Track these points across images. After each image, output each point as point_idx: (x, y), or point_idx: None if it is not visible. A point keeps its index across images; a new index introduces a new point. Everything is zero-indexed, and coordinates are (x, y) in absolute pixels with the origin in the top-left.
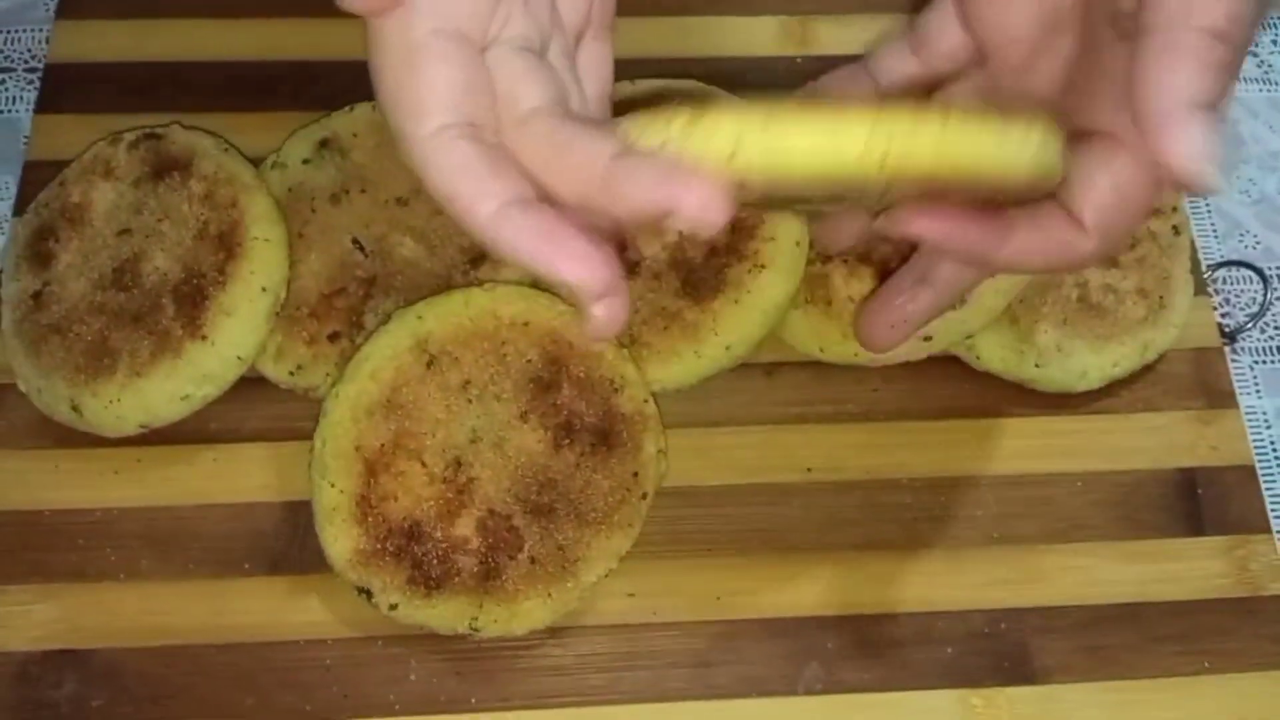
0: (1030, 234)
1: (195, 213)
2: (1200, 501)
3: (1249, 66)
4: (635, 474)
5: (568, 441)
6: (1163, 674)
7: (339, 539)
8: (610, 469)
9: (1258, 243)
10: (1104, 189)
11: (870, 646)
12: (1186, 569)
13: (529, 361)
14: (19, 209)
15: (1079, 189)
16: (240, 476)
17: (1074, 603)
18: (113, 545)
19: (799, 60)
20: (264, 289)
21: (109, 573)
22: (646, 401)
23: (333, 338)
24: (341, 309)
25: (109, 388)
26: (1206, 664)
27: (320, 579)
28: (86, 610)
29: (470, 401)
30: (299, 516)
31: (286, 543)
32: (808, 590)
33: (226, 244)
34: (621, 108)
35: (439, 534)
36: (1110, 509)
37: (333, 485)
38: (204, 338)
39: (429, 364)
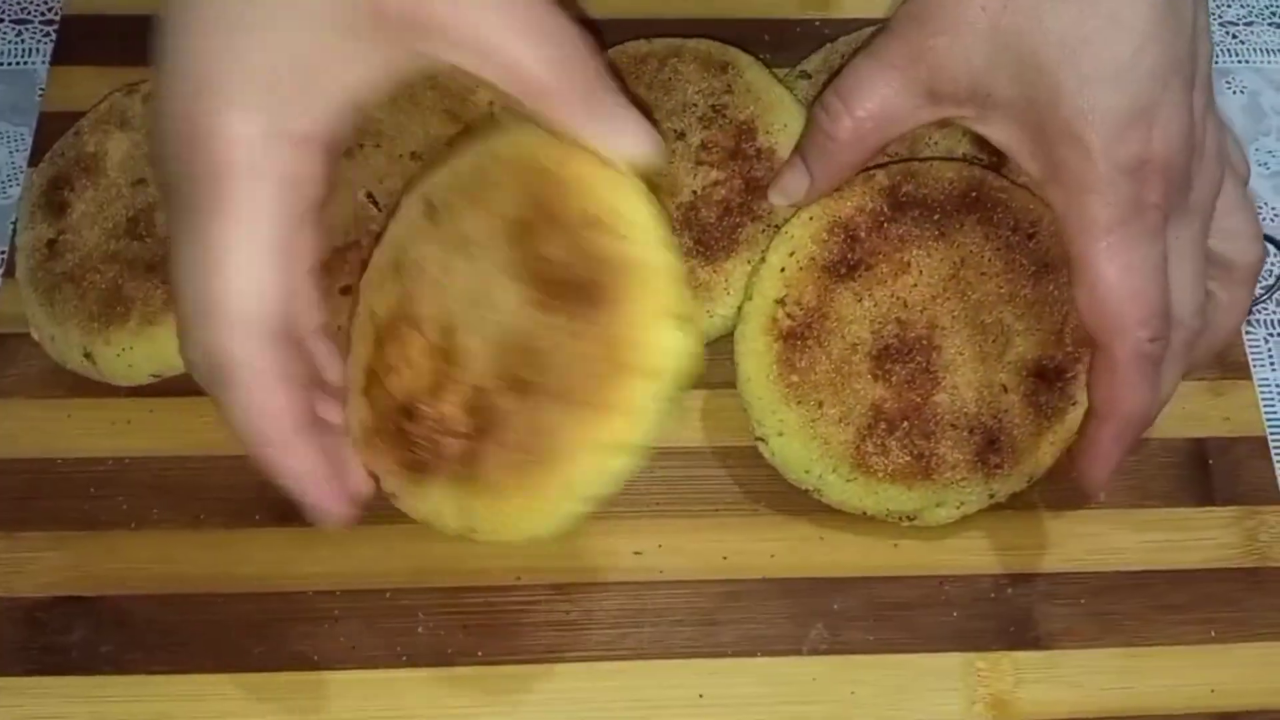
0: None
1: None
2: (1211, 472)
3: (1272, 38)
4: (631, 341)
5: (553, 301)
6: (1169, 642)
7: (352, 416)
8: (597, 335)
9: (1276, 215)
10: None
11: (876, 608)
12: (1196, 538)
13: (515, 204)
14: (34, 160)
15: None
16: None
17: (1082, 569)
18: (124, 494)
19: (818, 23)
20: None
21: (120, 521)
22: (647, 247)
23: (345, 291)
24: (354, 263)
25: (121, 336)
26: (1213, 633)
27: (329, 530)
28: (97, 558)
29: (469, 259)
30: None
31: None
32: (815, 551)
33: None
34: (634, 64)
35: (429, 411)
36: (1121, 477)
37: (357, 360)
38: None
39: (431, 217)
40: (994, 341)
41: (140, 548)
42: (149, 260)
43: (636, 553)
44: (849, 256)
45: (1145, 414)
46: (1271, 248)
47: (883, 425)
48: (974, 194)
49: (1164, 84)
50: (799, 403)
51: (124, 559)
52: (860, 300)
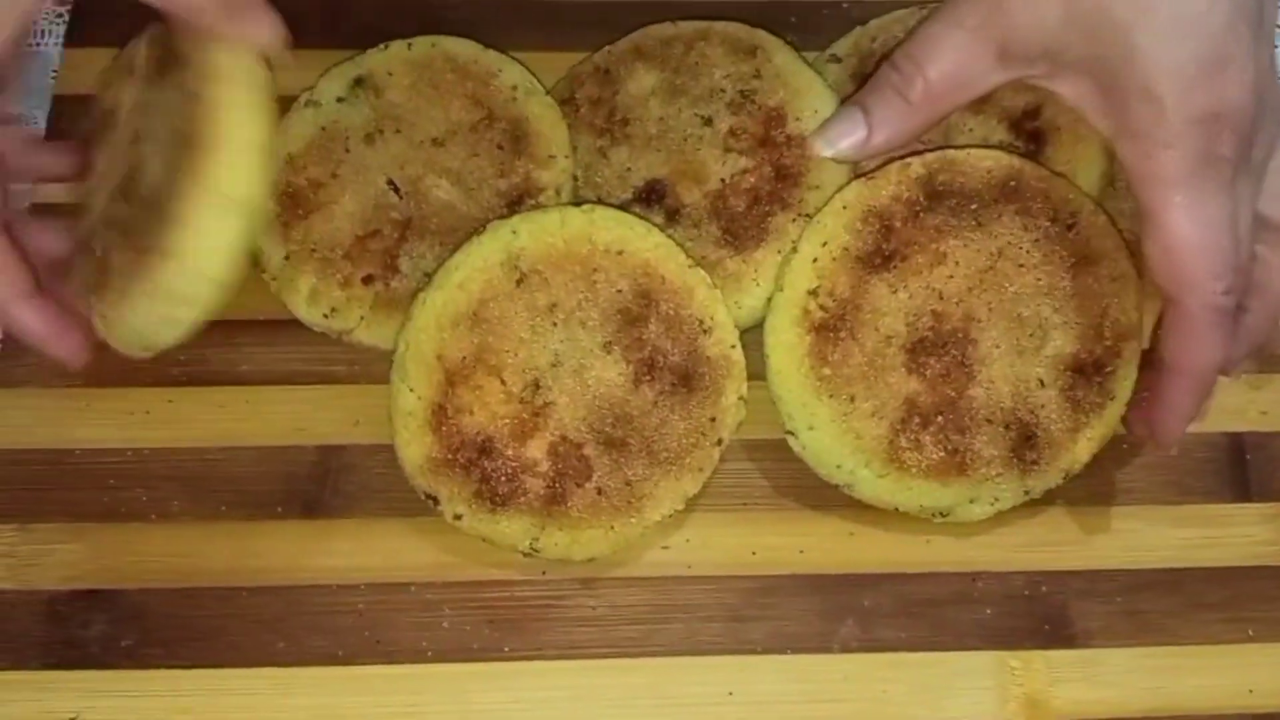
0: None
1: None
2: (1248, 467)
3: None
4: (713, 419)
5: (649, 378)
6: (1205, 640)
7: (412, 444)
8: (688, 411)
9: None
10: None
11: (908, 605)
12: (1232, 535)
13: (619, 291)
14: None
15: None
16: (273, 419)
17: (1117, 566)
18: (143, 486)
19: (845, 5)
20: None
21: (139, 513)
22: (734, 347)
23: (367, 280)
24: (376, 251)
25: (109, 307)
26: (1250, 631)
27: (353, 523)
28: (115, 550)
29: (555, 325)
30: (331, 460)
31: (319, 486)
32: (845, 546)
33: None
34: (660, 47)
35: (510, 452)
36: (1156, 472)
37: (411, 390)
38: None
39: (518, 281)
40: (1031, 335)
41: (160, 540)
42: (124, 224)
43: (664, 547)
44: (884, 247)
45: (1217, 366)
46: None
47: (917, 420)
48: (1012, 183)
49: (1236, 35)
50: (831, 396)
51: (143, 551)
52: (895, 292)
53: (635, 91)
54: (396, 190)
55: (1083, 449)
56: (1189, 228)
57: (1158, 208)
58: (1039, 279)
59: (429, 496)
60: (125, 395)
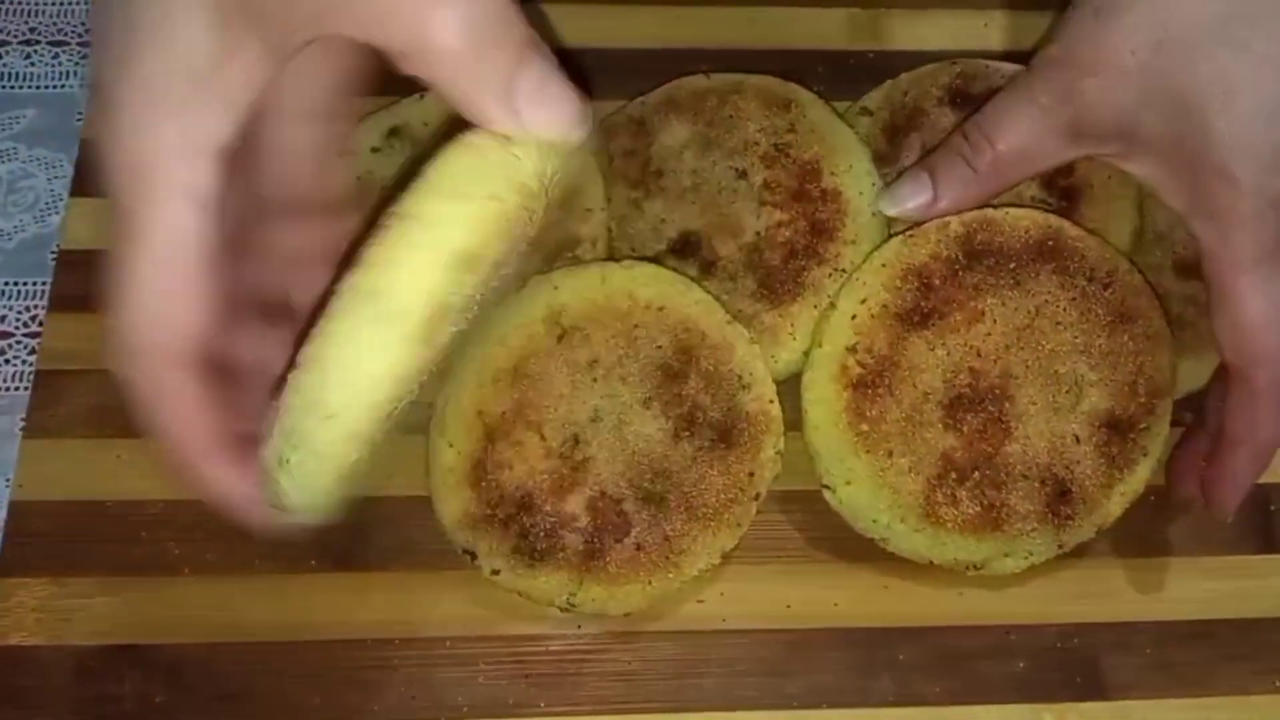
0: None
1: None
2: (1274, 518)
3: None
4: (751, 474)
5: (688, 434)
6: (1235, 692)
7: (451, 499)
8: (727, 466)
9: None
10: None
11: (942, 658)
12: (1259, 586)
13: (659, 348)
14: (76, 189)
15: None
16: None
17: (1146, 618)
18: (175, 538)
19: (871, 55)
20: None
21: (171, 567)
22: (772, 402)
23: None
24: None
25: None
26: (1277, 683)
27: (388, 576)
28: (148, 605)
29: (595, 380)
30: (366, 512)
31: (353, 538)
32: (880, 600)
33: None
34: (693, 100)
35: (549, 507)
36: (1182, 524)
37: (450, 445)
38: None
39: (560, 338)
40: (1067, 392)
41: (193, 594)
42: None
43: (699, 601)
44: (922, 305)
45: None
46: None
47: (953, 475)
48: (1050, 243)
49: None
50: (868, 452)
51: (176, 606)
52: (933, 349)
53: (669, 143)
54: None
55: (1116, 504)
56: (1261, 306)
57: (1230, 285)
58: (1075, 337)
59: (467, 551)
60: (155, 445)
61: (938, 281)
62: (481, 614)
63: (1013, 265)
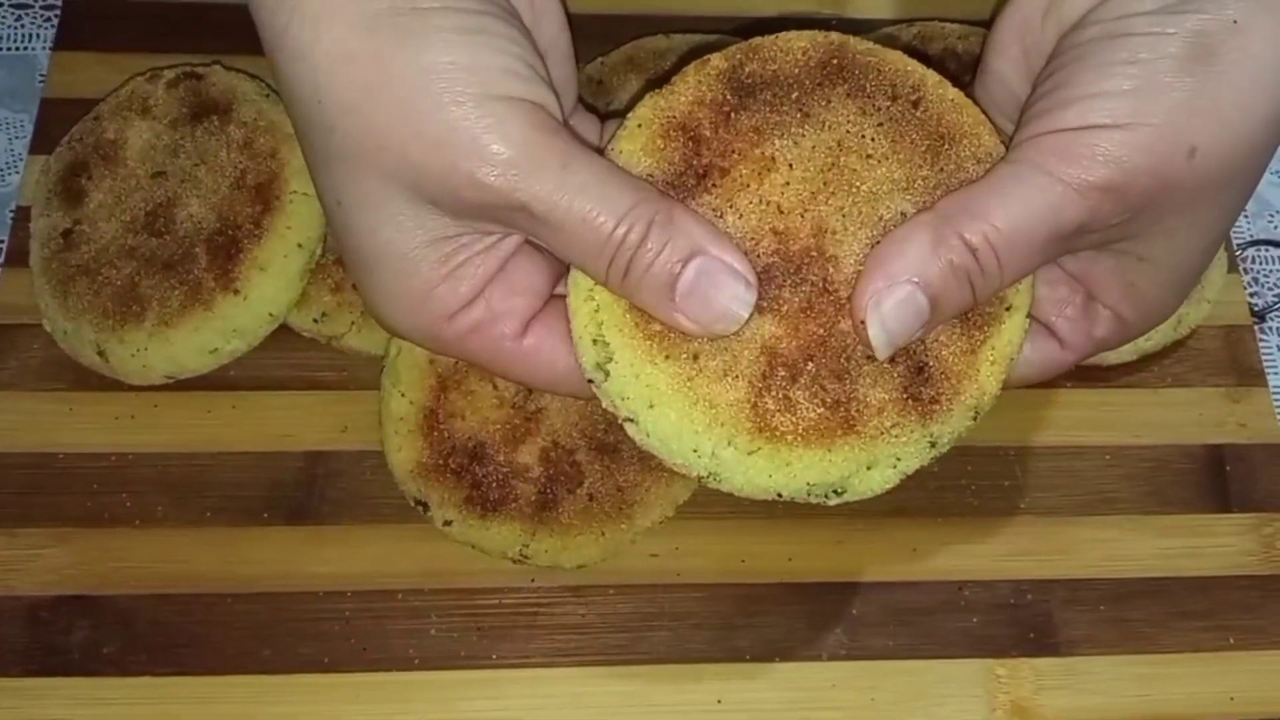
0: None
1: (233, 160)
2: (1228, 478)
3: None
4: None
5: None
6: (1187, 649)
7: (402, 449)
8: None
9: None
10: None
11: (895, 613)
12: (1213, 545)
13: None
14: (35, 146)
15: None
16: (260, 425)
17: (1100, 575)
18: (127, 491)
19: (834, 22)
20: (299, 245)
21: (123, 519)
22: None
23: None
24: None
25: (137, 336)
26: (1231, 640)
27: (340, 530)
28: (99, 556)
29: None
30: (318, 467)
31: (306, 493)
32: (834, 555)
33: (264, 196)
34: (654, 59)
35: (501, 458)
36: (1138, 483)
37: (403, 394)
38: (236, 291)
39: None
40: None
41: (144, 546)
42: (166, 258)
43: (653, 555)
44: (695, 163)
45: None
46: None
47: (781, 372)
48: (834, 61)
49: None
50: (667, 358)
51: (127, 557)
52: (720, 215)
53: (628, 101)
54: None
55: (987, 375)
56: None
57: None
58: (892, 170)
59: (419, 502)
60: (110, 399)
61: (708, 132)
62: (434, 567)
63: (795, 95)
